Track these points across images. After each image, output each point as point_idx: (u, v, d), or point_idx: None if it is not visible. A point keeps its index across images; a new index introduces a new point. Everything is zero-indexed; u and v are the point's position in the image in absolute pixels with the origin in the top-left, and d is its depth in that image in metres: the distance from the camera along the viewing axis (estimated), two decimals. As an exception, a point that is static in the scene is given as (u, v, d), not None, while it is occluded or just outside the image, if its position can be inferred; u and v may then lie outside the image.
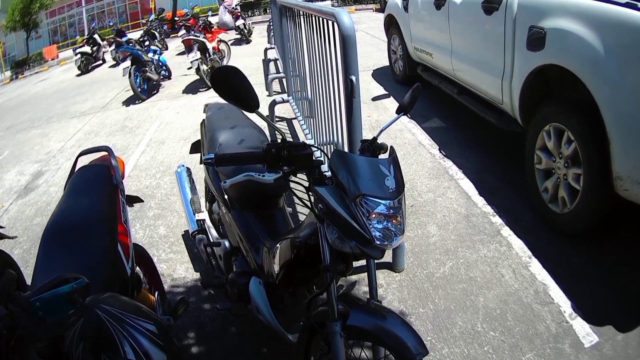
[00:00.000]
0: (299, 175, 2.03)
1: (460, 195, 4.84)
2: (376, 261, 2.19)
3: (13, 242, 4.79)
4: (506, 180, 4.98)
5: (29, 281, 3.94)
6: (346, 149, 3.47)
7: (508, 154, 5.42)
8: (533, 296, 3.47)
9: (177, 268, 4.28)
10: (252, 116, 2.77)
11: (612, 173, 3.37)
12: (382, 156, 2.11)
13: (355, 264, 2.23)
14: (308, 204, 2.05)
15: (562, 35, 3.70)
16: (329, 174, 1.97)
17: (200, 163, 3.80)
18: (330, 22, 3.69)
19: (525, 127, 4.51)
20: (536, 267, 3.75)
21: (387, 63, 9.66)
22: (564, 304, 3.36)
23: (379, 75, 9.85)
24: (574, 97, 3.81)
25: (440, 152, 5.86)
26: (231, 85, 1.91)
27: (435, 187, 5.06)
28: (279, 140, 1.98)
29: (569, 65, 3.63)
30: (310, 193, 1.99)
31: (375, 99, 8.28)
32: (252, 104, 1.95)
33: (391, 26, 8.74)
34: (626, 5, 3.20)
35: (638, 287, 3.44)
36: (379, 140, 2.22)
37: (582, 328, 3.16)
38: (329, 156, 2.01)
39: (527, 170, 4.40)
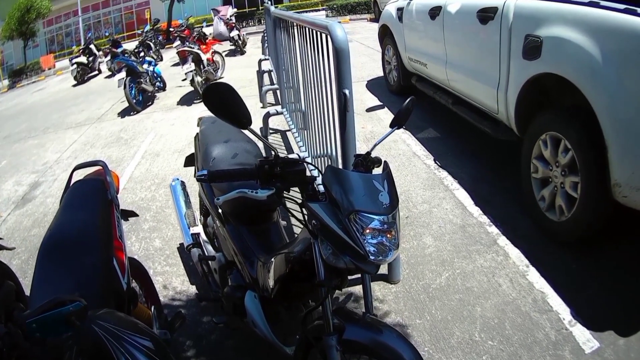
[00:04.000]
0: (292, 190, 2.03)
1: (455, 206, 4.84)
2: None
3: (12, 252, 4.81)
4: (502, 190, 4.99)
5: (28, 292, 3.96)
6: (340, 163, 3.47)
7: (503, 164, 5.43)
8: (531, 304, 3.47)
9: (172, 281, 4.27)
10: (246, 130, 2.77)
11: (610, 180, 3.38)
12: (376, 170, 2.11)
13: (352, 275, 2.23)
14: (302, 219, 2.05)
15: (559, 43, 3.71)
16: (322, 189, 1.98)
17: (194, 177, 3.80)
18: (323, 35, 3.69)
19: (521, 137, 4.52)
20: (534, 276, 3.75)
21: (381, 73, 9.64)
22: (563, 311, 3.37)
23: (373, 85, 9.85)
24: (570, 105, 3.81)
25: (435, 162, 5.85)
26: (223, 101, 1.92)
27: (431, 198, 5.06)
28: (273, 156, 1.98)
29: (565, 74, 3.64)
30: (303, 209, 1.99)
31: (369, 109, 8.28)
32: (244, 120, 1.97)
33: (385, 36, 8.72)
34: (624, 11, 3.21)
35: (637, 291, 3.45)
36: (373, 154, 2.23)
37: (582, 334, 3.16)
38: (323, 171, 2.01)
39: (524, 179, 4.41)
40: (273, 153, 2.04)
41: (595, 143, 3.43)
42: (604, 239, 3.90)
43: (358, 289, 3.65)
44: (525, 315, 3.39)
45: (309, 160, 4.83)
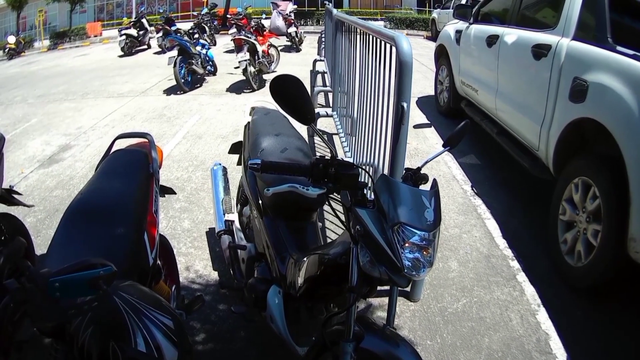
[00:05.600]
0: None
1: (484, 235, 4.84)
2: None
3: (27, 209, 4.80)
4: (530, 226, 4.99)
5: (38, 251, 3.98)
6: (386, 174, 3.48)
7: (536, 201, 5.43)
8: (534, 344, 3.49)
9: (195, 264, 4.32)
10: (298, 127, 2.78)
11: (627, 234, 3.38)
12: (423, 187, 2.12)
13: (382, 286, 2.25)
14: (345, 223, 2.05)
15: (602, 90, 3.73)
16: (370, 196, 1.99)
17: (238, 164, 3.82)
18: (388, 45, 3.70)
19: (555, 177, 4.53)
20: (542, 316, 3.77)
21: (432, 92, 9.62)
22: (561, 355, 3.39)
23: (422, 103, 9.81)
24: (605, 154, 3.81)
25: (472, 189, 5.86)
26: (290, 94, 1.94)
27: (463, 224, 5.07)
28: (326, 157, 1.98)
29: (604, 121, 3.65)
30: (349, 213, 1.99)
31: (416, 126, 8.23)
32: (308, 116, 1.98)
33: (441, 56, 8.71)
34: None
35: (627, 350, 3.48)
36: (422, 171, 2.24)
37: (570, 382, 3.20)
38: (374, 179, 2.02)
39: (551, 219, 4.41)
40: (331, 153, 2.04)
41: (621, 195, 3.44)
42: (615, 293, 3.92)
43: (378, 301, 3.68)
44: (526, 353, 3.41)
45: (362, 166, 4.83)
